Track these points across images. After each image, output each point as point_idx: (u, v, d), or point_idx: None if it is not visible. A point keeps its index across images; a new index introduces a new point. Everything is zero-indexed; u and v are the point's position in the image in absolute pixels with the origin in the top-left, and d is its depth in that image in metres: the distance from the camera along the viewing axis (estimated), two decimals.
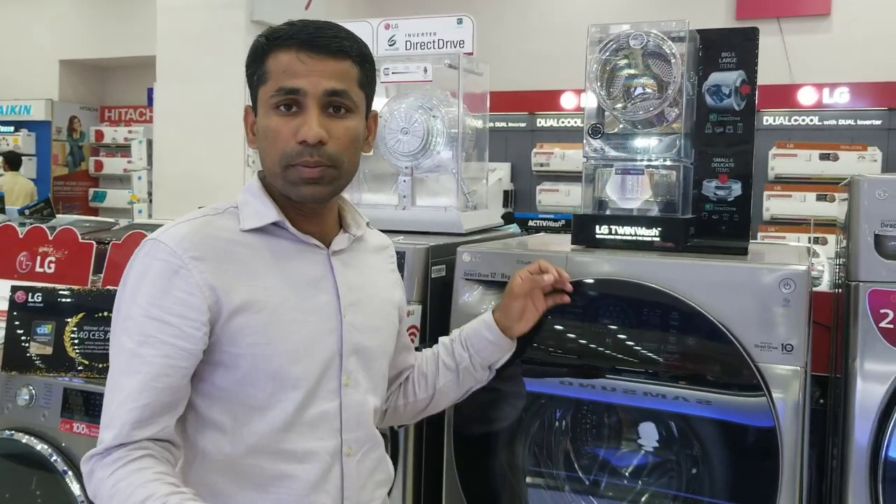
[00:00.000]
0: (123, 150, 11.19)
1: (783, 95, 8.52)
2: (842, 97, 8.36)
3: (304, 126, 1.50)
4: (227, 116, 6.11)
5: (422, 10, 2.78)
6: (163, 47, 7.26)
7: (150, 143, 8.46)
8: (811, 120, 8.50)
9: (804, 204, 8.06)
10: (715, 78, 2.24)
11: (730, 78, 2.23)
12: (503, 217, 5.14)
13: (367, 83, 1.61)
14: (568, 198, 8.66)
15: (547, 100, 9.20)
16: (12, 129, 11.63)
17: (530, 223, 5.37)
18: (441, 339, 1.96)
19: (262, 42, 1.55)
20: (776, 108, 8.55)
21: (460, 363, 1.90)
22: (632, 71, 2.19)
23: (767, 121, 8.57)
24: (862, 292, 1.89)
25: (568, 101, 9.05)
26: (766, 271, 1.88)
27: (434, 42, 2.68)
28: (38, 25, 11.44)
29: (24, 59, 11.46)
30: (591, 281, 2.02)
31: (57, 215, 5.32)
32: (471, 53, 2.64)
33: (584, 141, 2.25)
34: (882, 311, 1.86)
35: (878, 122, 8.28)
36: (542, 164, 9.14)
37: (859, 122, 8.35)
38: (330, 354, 1.58)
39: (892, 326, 1.85)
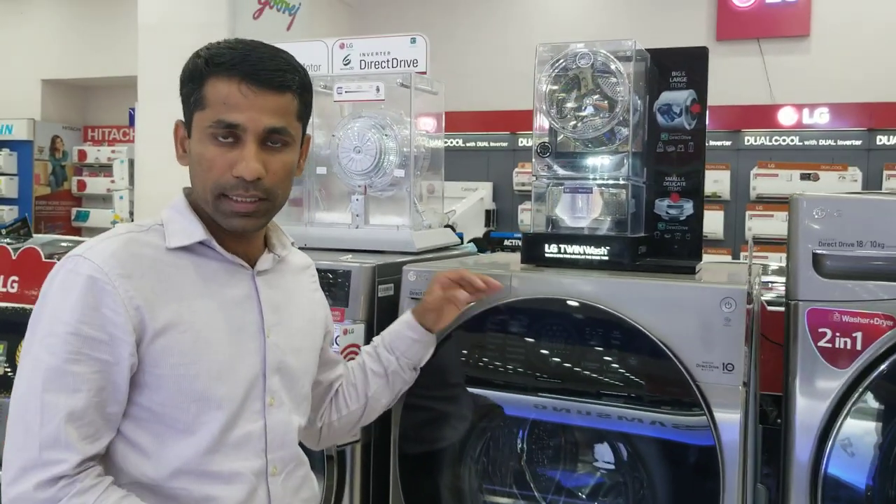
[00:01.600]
0: (106, 169, 11.15)
1: (764, 116, 8.57)
2: (822, 118, 8.41)
3: (242, 162, 1.47)
4: None
5: (402, 29, 2.79)
6: (144, 67, 7.23)
7: (132, 163, 8.42)
8: (792, 140, 8.54)
9: (786, 224, 8.06)
10: (665, 97, 2.25)
11: (680, 97, 2.24)
12: (483, 236, 5.10)
13: (305, 113, 1.60)
14: None
15: (528, 119, 9.14)
16: None
17: (506, 242, 5.35)
18: (364, 347, 1.98)
19: (201, 64, 1.50)
20: (757, 128, 8.59)
21: (388, 367, 1.92)
22: (581, 90, 2.19)
23: (749, 141, 8.62)
24: (801, 311, 1.89)
25: None
26: (707, 290, 1.88)
27: (388, 61, 2.69)
28: (21, 45, 11.41)
29: (6, 79, 11.42)
30: (531, 299, 2.01)
31: (35, 235, 5.27)
32: (424, 73, 2.64)
33: (534, 160, 2.25)
34: (820, 330, 1.86)
35: (858, 143, 8.33)
36: (523, 184, 9.15)
37: (839, 143, 8.39)
38: (254, 374, 1.57)
39: (830, 346, 1.85)
